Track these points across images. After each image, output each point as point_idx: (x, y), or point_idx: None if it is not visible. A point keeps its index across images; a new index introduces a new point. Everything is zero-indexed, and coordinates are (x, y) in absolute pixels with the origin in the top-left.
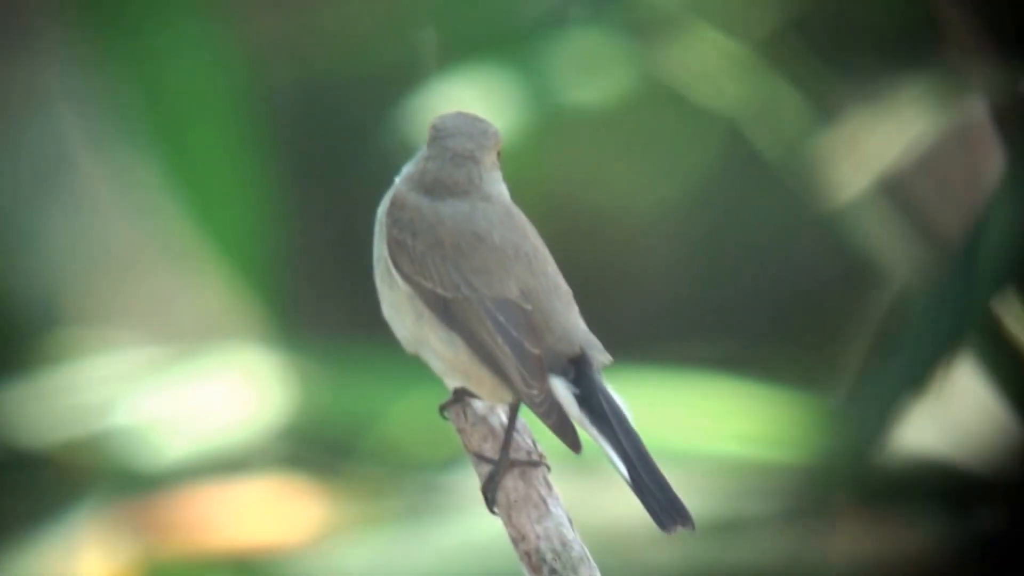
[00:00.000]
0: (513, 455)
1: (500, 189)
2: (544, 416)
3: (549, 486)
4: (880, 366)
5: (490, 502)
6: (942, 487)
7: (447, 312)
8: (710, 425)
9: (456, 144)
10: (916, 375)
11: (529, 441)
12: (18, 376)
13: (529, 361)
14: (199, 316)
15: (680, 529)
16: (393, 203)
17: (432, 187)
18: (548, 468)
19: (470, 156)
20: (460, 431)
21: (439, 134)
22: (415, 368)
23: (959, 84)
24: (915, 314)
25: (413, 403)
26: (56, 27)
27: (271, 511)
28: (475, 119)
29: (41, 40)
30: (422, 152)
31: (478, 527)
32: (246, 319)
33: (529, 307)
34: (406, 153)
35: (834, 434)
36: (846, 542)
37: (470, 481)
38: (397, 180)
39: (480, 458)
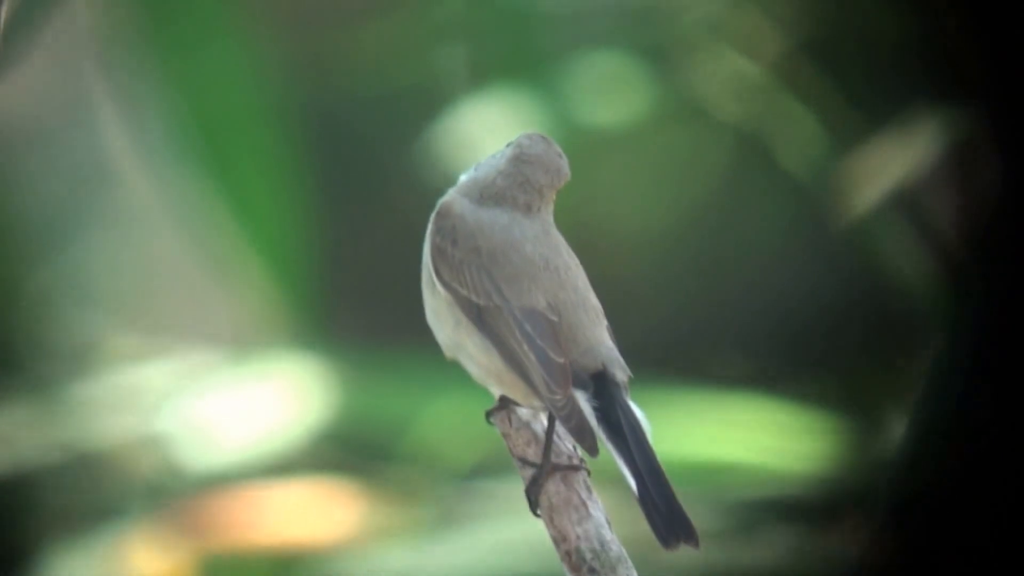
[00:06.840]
0: (555, 460)
1: (545, 212)
2: (565, 421)
3: (589, 489)
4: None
5: (533, 504)
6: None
7: (480, 319)
8: (722, 438)
9: (532, 173)
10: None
11: (570, 447)
12: (74, 382)
13: (553, 369)
14: (243, 324)
15: (682, 546)
16: (439, 211)
17: (492, 199)
18: (588, 472)
19: (539, 190)
20: (505, 436)
21: (523, 157)
22: (449, 374)
23: (960, 106)
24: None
25: (446, 408)
26: (101, 43)
27: (312, 512)
28: (558, 155)
29: (87, 55)
30: (495, 162)
31: (511, 528)
32: (288, 327)
33: (555, 318)
34: (435, 168)
35: (846, 449)
36: (854, 551)
37: (503, 484)
38: (455, 186)
39: (524, 462)
